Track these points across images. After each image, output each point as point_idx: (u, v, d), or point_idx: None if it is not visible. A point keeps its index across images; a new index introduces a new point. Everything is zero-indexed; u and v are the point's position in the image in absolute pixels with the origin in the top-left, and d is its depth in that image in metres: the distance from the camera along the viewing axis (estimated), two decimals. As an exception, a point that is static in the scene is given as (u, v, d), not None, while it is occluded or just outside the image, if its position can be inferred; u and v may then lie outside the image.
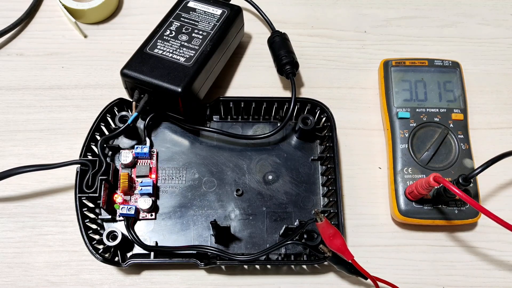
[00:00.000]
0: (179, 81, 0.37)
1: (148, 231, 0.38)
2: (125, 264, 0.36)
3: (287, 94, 0.45)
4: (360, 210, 0.41)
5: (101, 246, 0.36)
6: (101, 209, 0.37)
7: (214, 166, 0.41)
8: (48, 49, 0.46)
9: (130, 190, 0.38)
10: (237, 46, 0.46)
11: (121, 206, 0.37)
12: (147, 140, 0.40)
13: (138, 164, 0.40)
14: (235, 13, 0.43)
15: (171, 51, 0.39)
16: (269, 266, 0.38)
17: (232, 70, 0.46)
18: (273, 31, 0.45)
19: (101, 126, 0.40)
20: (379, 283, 0.35)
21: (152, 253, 0.36)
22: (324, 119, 0.42)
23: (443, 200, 0.38)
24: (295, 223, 0.38)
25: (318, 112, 0.42)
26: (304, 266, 0.38)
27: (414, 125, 0.41)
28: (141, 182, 0.38)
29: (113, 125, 0.41)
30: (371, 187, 0.42)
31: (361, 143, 0.43)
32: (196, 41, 0.40)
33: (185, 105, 0.38)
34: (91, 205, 0.37)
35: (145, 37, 0.40)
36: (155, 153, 0.40)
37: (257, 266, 0.38)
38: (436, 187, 0.37)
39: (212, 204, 0.39)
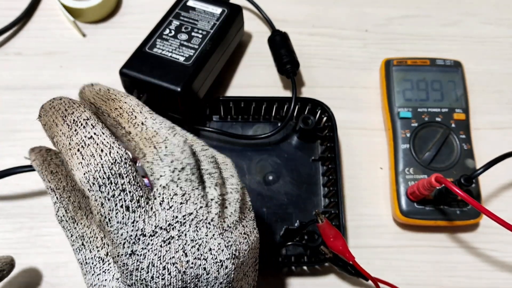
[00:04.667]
0: (178, 81, 0.36)
1: (147, 232, 0.38)
2: (124, 265, 0.35)
3: (288, 93, 0.45)
4: (361, 211, 0.40)
5: (99, 247, 0.36)
6: (100, 210, 0.37)
7: (214, 167, 0.40)
8: (47, 48, 0.46)
9: (129, 190, 0.38)
10: (237, 45, 0.46)
11: (120, 207, 0.37)
12: (146, 140, 0.40)
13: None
14: (235, 12, 0.42)
15: (170, 50, 0.38)
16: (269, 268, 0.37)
17: (232, 70, 0.46)
18: (274, 30, 0.45)
19: (100, 126, 0.40)
20: (381, 285, 0.35)
21: (151, 254, 0.36)
22: (325, 119, 0.41)
23: (445, 201, 0.38)
24: (296, 224, 0.38)
25: (319, 112, 0.41)
26: (305, 268, 0.38)
27: (416, 125, 0.41)
28: (140, 182, 0.38)
29: (112, 125, 0.40)
30: (373, 188, 0.41)
31: (362, 143, 0.43)
32: (196, 40, 0.39)
33: (184, 105, 0.37)
34: (89, 205, 0.37)
35: (144, 36, 0.40)
36: (154, 153, 0.40)
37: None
38: (437, 187, 0.37)
39: (212, 205, 0.39)
